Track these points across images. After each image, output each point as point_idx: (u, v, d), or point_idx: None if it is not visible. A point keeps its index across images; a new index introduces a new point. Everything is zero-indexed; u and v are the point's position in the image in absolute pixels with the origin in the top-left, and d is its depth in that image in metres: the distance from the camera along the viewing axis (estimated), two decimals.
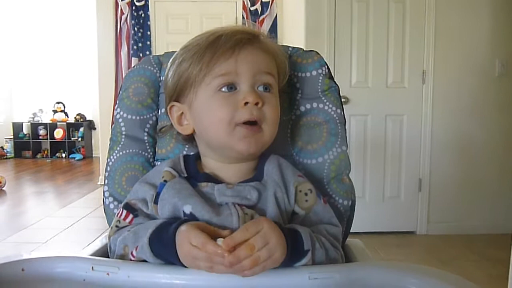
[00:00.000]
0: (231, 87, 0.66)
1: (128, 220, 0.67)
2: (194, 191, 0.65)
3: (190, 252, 0.53)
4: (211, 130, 0.68)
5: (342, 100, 0.88)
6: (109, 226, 0.82)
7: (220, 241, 0.52)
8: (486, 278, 2.17)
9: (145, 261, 0.59)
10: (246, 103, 0.65)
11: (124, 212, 0.68)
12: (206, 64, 0.66)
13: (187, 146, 0.82)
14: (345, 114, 0.86)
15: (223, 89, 0.66)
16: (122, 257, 0.63)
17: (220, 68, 0.65)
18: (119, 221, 0.68)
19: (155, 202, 0.66)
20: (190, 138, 0.76)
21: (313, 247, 0.59)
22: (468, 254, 2.50)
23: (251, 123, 0.65)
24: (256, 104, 0.65)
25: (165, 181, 0.67)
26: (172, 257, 0.56)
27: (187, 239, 0.54)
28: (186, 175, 0.70)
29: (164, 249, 0.57)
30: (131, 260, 0.61)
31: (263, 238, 0.53)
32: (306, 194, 0.69)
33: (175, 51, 0.74)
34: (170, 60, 0.73)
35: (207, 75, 0.66)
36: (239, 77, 0.66)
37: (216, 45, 0.66)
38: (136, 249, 0.60)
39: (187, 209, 0.62)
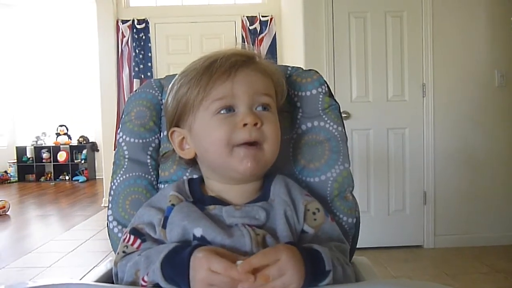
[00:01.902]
0: (229, 109, 0.66)
1: (136, 245, 0.66)
2: (203, 214, 0.64)
3: (207, 278, 0.52)
4: (210, 152, 0.68)
5: (344, 115, 0.88)
6: (113, 250, 0.82)
7: (240, 263, 0.53)
8: None
9: (157, 284, 0.58)
10: (244, 125, 0.65)
11: (132, 237, 0.67)
12: (204, 88, 0.67)
13: (189, 169, 0.82)
14: (346, 129, 0.86)
15: (222, 112, 0.66)
16: (133, 282, 0.62)
17: (217, 92, 0.66)
18: (126, 246, 0.67)
19: (163, 226, 0.65)
20: (193, 162, 0.77)
21: (333, 265, 0.59)
22: (478, 266, 2.47)
23: (250, 144, 0.66)
24: (255, 124, 0.65)
25: (172, 205, 0.67)
26: (183, 282, 0.55)
27: (206, 265, 0.53)
28: (192, 199, 0.70)
29: (175, 274, 0.56)
30: (142, 285, 0.60)
31: (279, 270, 0.53)
32: (314, 213, 0.69)
33: (176, 74, 0.75)
34: (169, 86, 0.74)
35: (205, 99, 0.67)
36: (236, 100, 0.66)
37: (212, 69, 0.67)
38: (147, 274, 0.59)
39: (198, 232, 0.62)
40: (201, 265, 0.53)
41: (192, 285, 0.54)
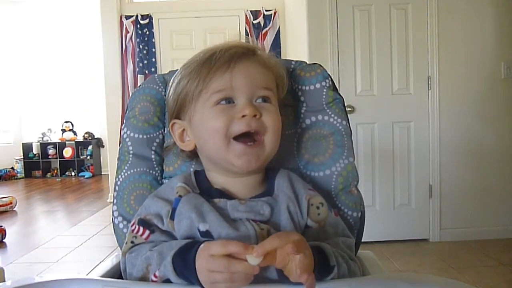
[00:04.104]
0: (229, 101, 0.67)
1: (144, 236, 0.66)
2: (210, 207, 0.64)
3: (208, 264, 0.52)
4: (209, 143, 0.68)
5: (348, 109, 0.88)
6: (119, 245, 0.82)
7: (249, 257, 0.51)
8: (504, 284, 2.13)
9: (167, 280, 0.58)
10: (243, 116, 0.65)
11: (141, 228, 0.67)
12: (203, 79, 0.67)
13: (193, 163, 0.82)
14: (351, 123, 0.86)
15: (221, 103, 0.66)
16: (143, 276, 0.62)
17: (217, 84, 0.66)
18: (135, 237, 0.67)
19: (171, 217, 0.65)
20: (194, 155, 0.77)
21: (338, 262, 0.59)
22: (484, 260, 2.46)
23: (249, 136, 0.66)
24: (254, 116, 0.65)
25: (180, 196, 0.67)
26: (193, 277, 0.55)
27: (206, 252, 0.53)
28: (198, 191, 0.70)
29: (186, 269, 0.56)
30: (152, 280, 0.60)
31: (299, 247, 0.52)
32: (318, 207, 0.69)
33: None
34: (171, 79, 0.75)
35: (204, 90, 0.67)
36: (236, 92, 0.66)
37: (211, 61, 0.67)
38: (159, 270, 0.59)
39: (203, 227, 0.62)
40: (202, 254, 0.53)
41: (199, 277, 0.54)
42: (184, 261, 0.56)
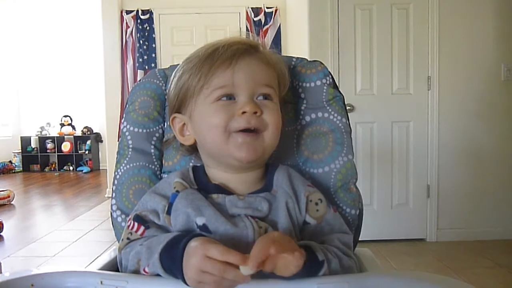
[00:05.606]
0: (230, 97, 0.67)
1: (139, 232, 0.67)
2: (207, 202, 0.64)
3: (200, 264, 0.52)
4: (208, 138, 0.68)
5: (348, 108, 0.88)
6: (117, 239, 0.82)
7: (242, 268, 0.51)
8: (501, 286, 2.13)
9: (158, 275, 0.59)
10: (243, 113, 0.65)
11: (136, 224, 0.67)
12: (205, 75, 0.67)
13: (193, 158, 0.82)
14: (350, 121, 0.86)
15: (222, 99, 0.67)
16: (136, 270, 0.62)
17: (218, 80, 0.66)
18: (130, 233, 0.67)
19: (168, 212, 0.66)
20: (193, 149, 0.77)
21: (327, 257, 0.59)
22: (481, 260, 2.47)
23: (249, 131, 0.66)
24: (255, 113, 0.65)
25: (177, 191, 0.67)
26: (179, 273, 0.55)
27: (202, 251, 0.52)
28: (196, 186, 0.70)
29: (173, 265, 0.56)
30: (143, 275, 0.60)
31: (284, 237, 0.54)
32: (316, 204, 0.69)
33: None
34: (173, 73, 0.75)
35: (205, 86, 0.67)
36: (237, 89, 0.66)
37: (213, 56, 0.67)
38: (148, 266, 0.59)
39: (200, 221, 0.62)
40: (196, 252, 0.53)
41: (185, 272, 0.54)
42: (170, 257, 0.57)
